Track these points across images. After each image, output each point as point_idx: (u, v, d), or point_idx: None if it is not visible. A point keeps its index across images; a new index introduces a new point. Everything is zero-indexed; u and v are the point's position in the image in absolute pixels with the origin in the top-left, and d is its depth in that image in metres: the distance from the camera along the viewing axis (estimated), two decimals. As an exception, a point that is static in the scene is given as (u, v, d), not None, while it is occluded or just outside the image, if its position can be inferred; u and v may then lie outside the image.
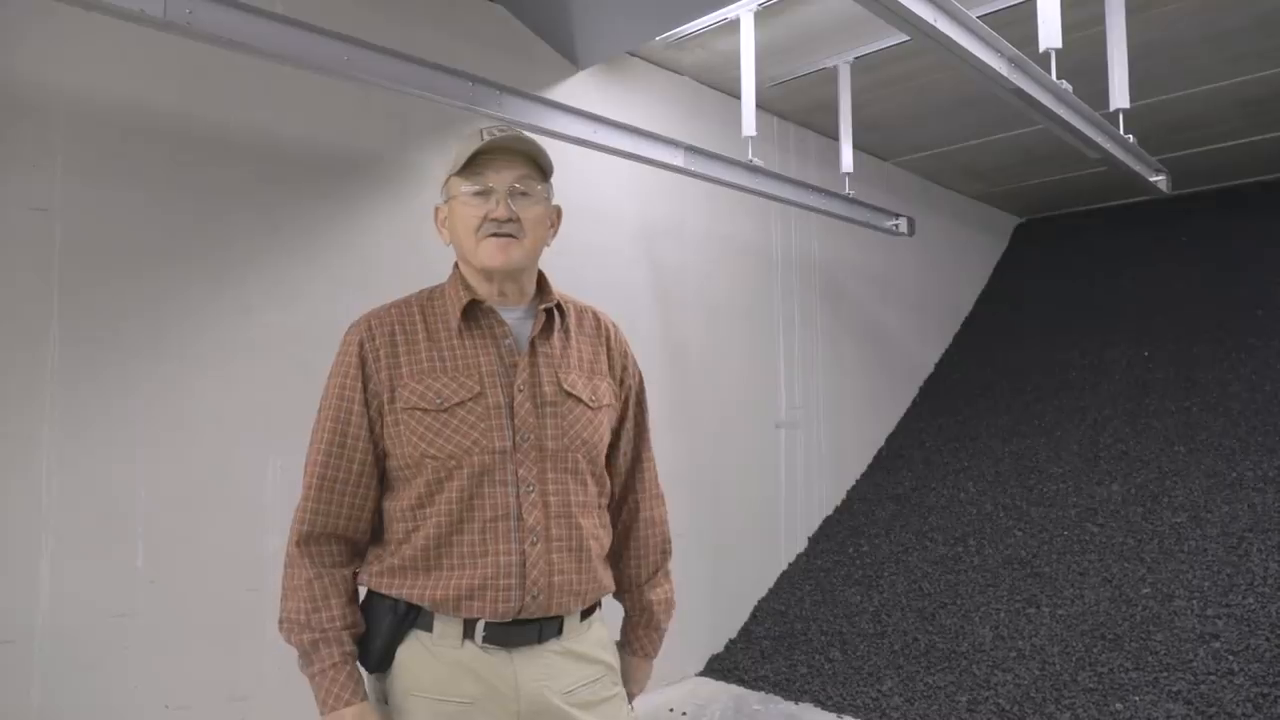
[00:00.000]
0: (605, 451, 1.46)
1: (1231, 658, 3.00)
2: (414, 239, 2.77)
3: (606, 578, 1.44)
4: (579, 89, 3.40)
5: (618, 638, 1.57)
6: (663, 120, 3.64)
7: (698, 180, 3.33)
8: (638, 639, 1.57)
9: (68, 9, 1.93)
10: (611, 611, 1.53)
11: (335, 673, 1.28)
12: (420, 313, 1.40)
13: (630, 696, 1.55)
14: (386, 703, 1.34)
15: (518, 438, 1.33)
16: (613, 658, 1.45)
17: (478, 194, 1.34)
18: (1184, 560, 3.55)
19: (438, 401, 1.31)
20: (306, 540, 1.33)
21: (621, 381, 1.51)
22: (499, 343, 1.37)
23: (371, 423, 1.34)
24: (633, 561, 1.55)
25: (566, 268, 3.17)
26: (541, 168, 1.39)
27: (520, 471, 1.32)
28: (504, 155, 1.35)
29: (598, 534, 1.41)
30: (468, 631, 1.30)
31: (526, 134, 1.38)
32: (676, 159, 3.12)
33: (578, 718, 1.33)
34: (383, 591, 1.33)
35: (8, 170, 2.08)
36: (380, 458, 1.36)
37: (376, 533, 1.40)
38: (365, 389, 1.34)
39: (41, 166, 2.12)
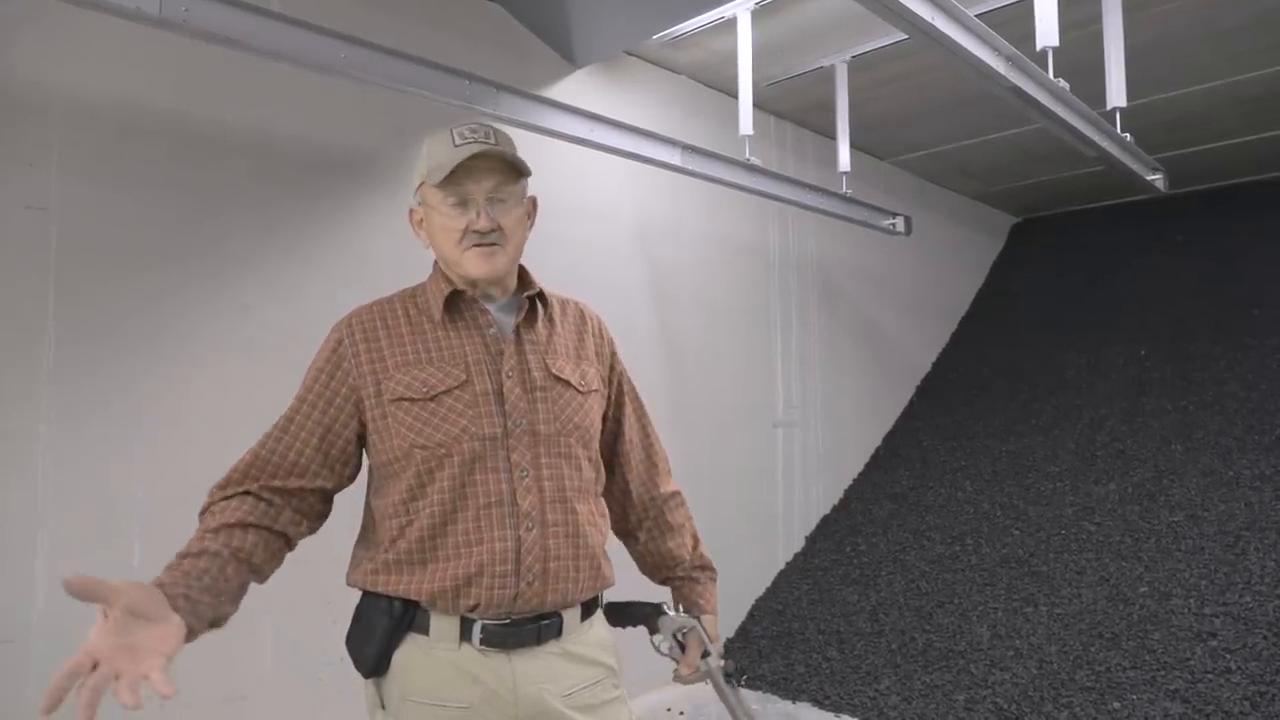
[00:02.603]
0: (598, 436, 1.46)
1: (1229, 656, 3.01)
2: (410, 237, 2.71)
3: (607, 568, 1.43)
4: (576, 88, 3.40)
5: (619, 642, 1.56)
6: (660, 119, 3.63)
7: (695, 179, 3.32)
8: (711, 594, 1.59)
9: (64, 7, 1.92)
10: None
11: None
12: (403, 308, 1.40)
13: (708, 654, 1.52)
14: (384, 707, 1.32)
15: (509, 423, 1.32)
16: (613, 659, 1.44)
17: (457, 205, 1.33)
18: (1181, 559, 3.55)
19: (424, 390, 1.30)
20: (212, 491, 1.29)
21: (612, 368, 1.52)
22: (483, 331, 1.37)
23: (335, 415, 1.32)
24: (680, 536, 1.59)
25: (564, 266, 3.19)
26: (517, 169, 1.36)
27: (514, 457, 1.31)
28: (479, 162, 1.32)
29: (595, 520, 1.40)
30: (465, 633, 1.29)
31: (500, 132, 1.36)
32: (674, 158, 3.12)
33: None
34: (377, 590, 1.31)
35: (4, 169, 2.07)
36: (336, 450, 1.34)
37: (368, 534, 1.38)
38: (333, 380, 1.34)
39: (38, 165, 2.12)
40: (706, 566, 1.61)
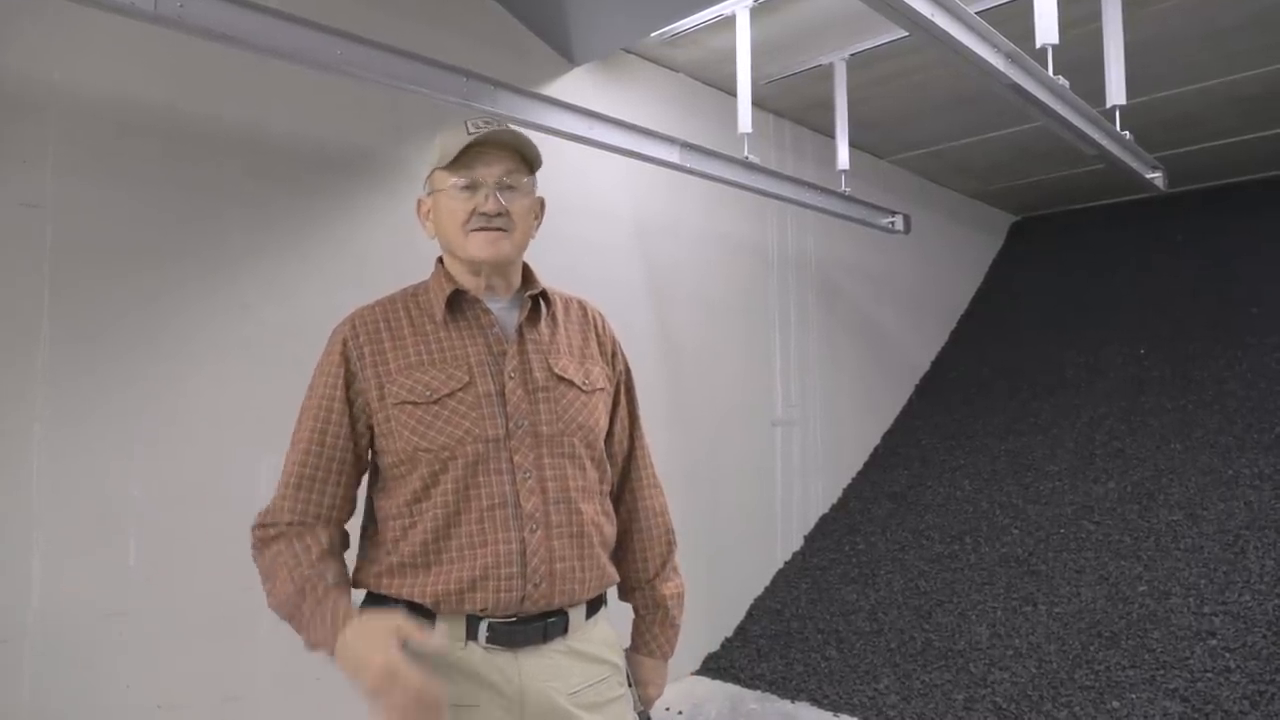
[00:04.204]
0: (603, 436, 1.44)
1: (1228, 655, 3.00)
2: (408, 235, 2.74)
3: (610, 567, 1.42)
4: (574, 85, 3.39)
5: (628, 641, 1.54)
6: (658, 117, 3.62)
7: (694, 177, 3.31)
8: (653, 638, 1.54)
9: (59, 3, 1.91)
10: (618, 612, 1.51)
11: (324, 604, 1.24)
12: (405, 308, 1.39)
13: (649, 701, 1.53)
14: None
15: (511, 424, 1.31)
16: (619, 658, 1.44)
17: (465, 188, 1.33)
18: (1180, 558, 3.55)
19: (427, 394, 1.30)
20: (274, 525, 1.30)
21: (614, 366, 1.51)
22: (486, 331, 1.36)
23: (354, 420, 1.33)
24: (639, 555, 1.52)
25: (562, 264, 3.17)
26: (528, 160, 1.38)
27: (516, 458, 1.31)
28: (492, 148, 1.34)
29: (599, 521, 1.39)
30: (471, 632, 1.28)
31: (513, 126, 1.37)
32: (673, 155, 3.11)
33: (583, 719, 1.31)
34: (382, 592, 1.31)
35: (-1, 166, 2.06)
36: (361, 455, 1.35)
37: (370, 533, 1.38)
38: (349, 388, 1.33)
39: (33, 162, 2.10)
40: (660, 605, 1.52)
